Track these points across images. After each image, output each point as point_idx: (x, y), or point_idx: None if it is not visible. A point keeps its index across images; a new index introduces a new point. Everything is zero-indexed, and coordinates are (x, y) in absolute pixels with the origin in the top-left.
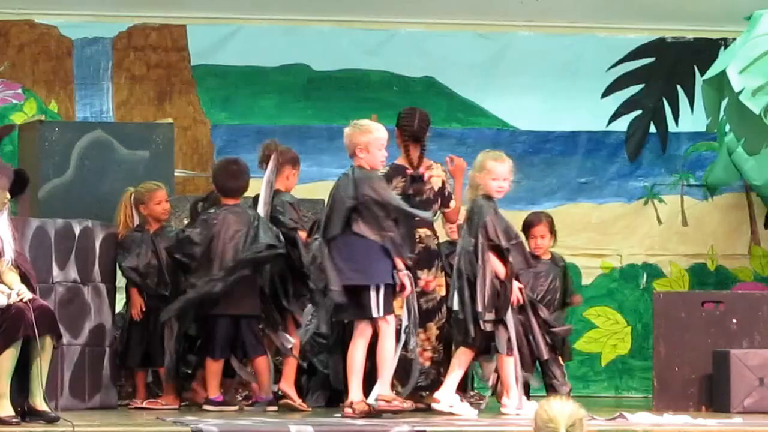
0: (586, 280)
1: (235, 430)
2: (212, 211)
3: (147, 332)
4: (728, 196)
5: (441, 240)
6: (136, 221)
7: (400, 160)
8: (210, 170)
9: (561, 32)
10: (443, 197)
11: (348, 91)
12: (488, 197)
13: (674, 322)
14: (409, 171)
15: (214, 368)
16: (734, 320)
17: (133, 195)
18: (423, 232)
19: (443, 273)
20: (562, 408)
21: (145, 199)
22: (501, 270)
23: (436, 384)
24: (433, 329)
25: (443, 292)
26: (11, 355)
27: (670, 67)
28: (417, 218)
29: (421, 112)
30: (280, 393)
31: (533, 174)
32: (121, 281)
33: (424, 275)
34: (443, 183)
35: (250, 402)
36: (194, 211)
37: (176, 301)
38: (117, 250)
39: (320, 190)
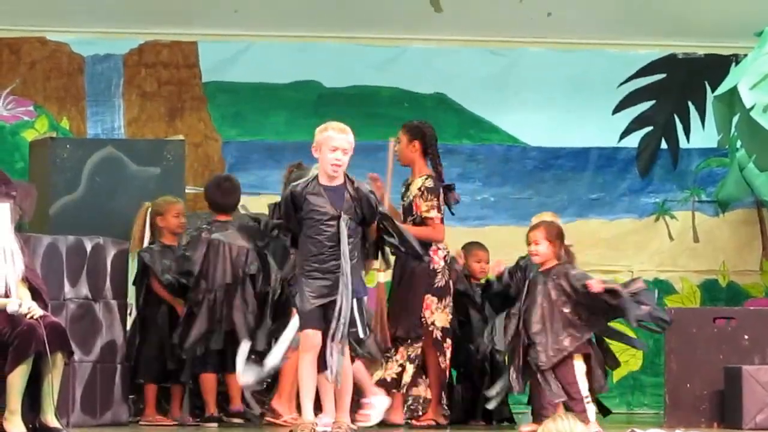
0: None
1: None
2: (205, 226)
3: (163, 347)
4: (739, 212)
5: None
6: (148, 236)
7: None
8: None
9: (571, 48)
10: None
11: (359, 108)
12: None
13: (686, 338)
14: None
15: None
16: (746, 336)
17: (150, 208)
18: None
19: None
20: (571, 427)
21: (163, 210)
22: None
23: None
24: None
25: None
26: (23, 371)
27: (681, 83)
28: None
29: None
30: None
31: (544, 190)
32: (131, 297)
33: None
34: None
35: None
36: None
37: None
38: (145, 263)
39: None
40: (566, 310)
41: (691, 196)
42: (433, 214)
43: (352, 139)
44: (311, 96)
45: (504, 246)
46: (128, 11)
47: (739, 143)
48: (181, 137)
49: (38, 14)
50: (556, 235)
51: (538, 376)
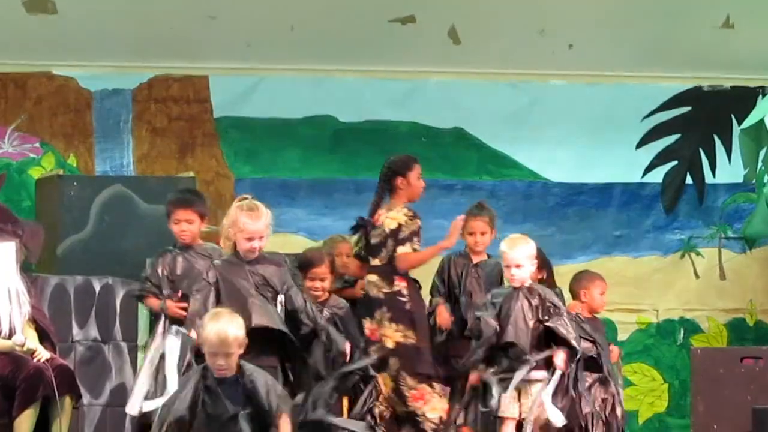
0: (621, 336)
1: None
2: None
3: None
4: (767, 249)
5: None
6: None
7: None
8: None
9: (594, 81)
10: (394, 240)
11: (375, 144)
12: None
13: (712, 378)
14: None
15: None
16: None
17: None
18: (367, 278)
19: (392, 322)
20: None
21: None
22: None
23: None
24: (388, 380)
25: (390, 344)
26: (30, 415)
27: (706, 116)
28: None
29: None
30: None
31: (567, 227)
32: (142, 340)
33: (367, 324)
34: (398, 226)
35: None
36: None
37: None
38: None
39: None
40: None
41: (718, 233)
42: None
43: None
44: (326, 131)
45: None
46: (137, 45)
47: (766, 178)
48: (192, 174)
49: (44, 48)
50: None
51: None
